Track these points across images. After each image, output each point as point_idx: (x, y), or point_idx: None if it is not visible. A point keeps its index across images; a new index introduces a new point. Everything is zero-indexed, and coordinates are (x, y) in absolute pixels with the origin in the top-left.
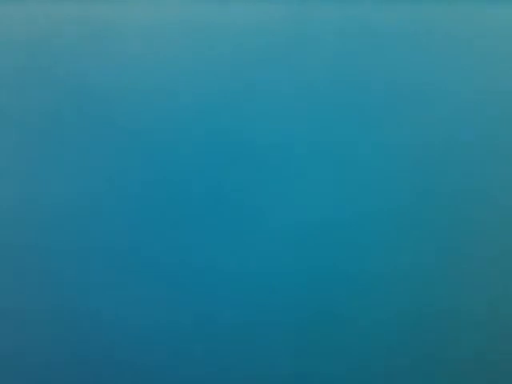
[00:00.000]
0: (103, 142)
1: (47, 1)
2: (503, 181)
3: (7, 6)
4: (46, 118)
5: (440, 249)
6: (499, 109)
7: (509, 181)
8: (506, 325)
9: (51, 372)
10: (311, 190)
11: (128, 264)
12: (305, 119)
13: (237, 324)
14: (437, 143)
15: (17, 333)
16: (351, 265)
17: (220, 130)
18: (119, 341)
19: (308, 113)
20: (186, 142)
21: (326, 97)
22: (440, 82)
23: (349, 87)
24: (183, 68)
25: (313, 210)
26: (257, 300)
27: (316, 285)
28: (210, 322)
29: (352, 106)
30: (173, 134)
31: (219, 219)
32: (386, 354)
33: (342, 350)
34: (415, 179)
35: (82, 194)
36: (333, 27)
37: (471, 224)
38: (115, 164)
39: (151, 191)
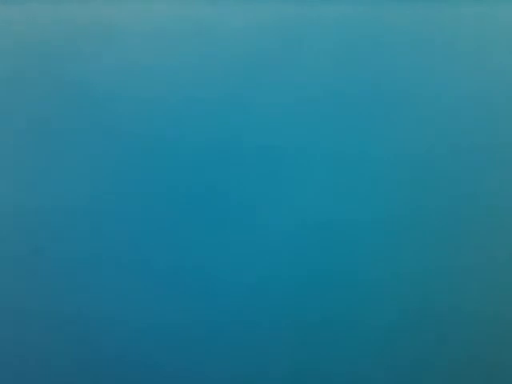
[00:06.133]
0: (103, 144)
1: (47, 1)
2: (503, 183)
3: (7, 6)
4: (45, 119)
5: (441, 251)
6: (501, 112)
7: (508, 183)
8: (506, 331)
9: (52, 373)
10: (310, 192)
11: (128, 265)
12: (304, 121)
13: (237, 324)
14: (437, 145)
15: (17, 335)
16: (351, 267)
17: (220, 132)
18: (118, 341)
19: (308, 115)
20: (185, 143)
21: (327, 98)
22: (441, 84)
23: (350, 88)
24: (183, 69)
25: (312, 213)
26: (256, 301)
27: (315, 286)
28: (209, 322)
29: (352, 107)
30: (171, 136)
31: (220, 221)
32: (385, 355)
33: (342, 352)
34: (416, 180)
35: (81, 195)
36: (333, 28)
37: (472, 226)
38: (115, 166)
39: (152, 194)
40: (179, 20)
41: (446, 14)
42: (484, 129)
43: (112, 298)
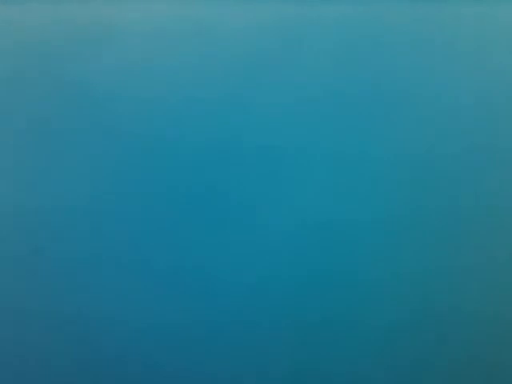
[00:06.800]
0: (103, 144)
1: (47, 1)
2: (503, 183)
3: (7, 6)
4: (45, 119)
5: (441, 251)
6: (501, 112)
7: (508, 183)
8: (506, 331)
9: (52, 373)
10: (310, 192)
11: (128, 265)
12: (304, 121)
13: (237, 324)
14: (437, 145)
15: (17, 335)
16: (351, 267)
17: (220, 132)
18: (118, 341)
19: (308, 115)
20: (185, 143)
21: (327, 98)
22: (441, 84)
23: (350, 88)
24: (183, 69)
25: (312, 213)
26: (256, 301)
27: (315, 286)
28: (209, 322)
29: (352, 107)
30: (171, 136)
31: (220, 221)
32: (385, 355)
33: (342, 352)
34: (416, 181)
35: (81, 195)
36: (333, 28)
37: (472, 226)
38: (115, 166)
39: (152, 194)
40: (179, 20)
41: (446, 13)
42: (484, 129)
43: (112, 298)
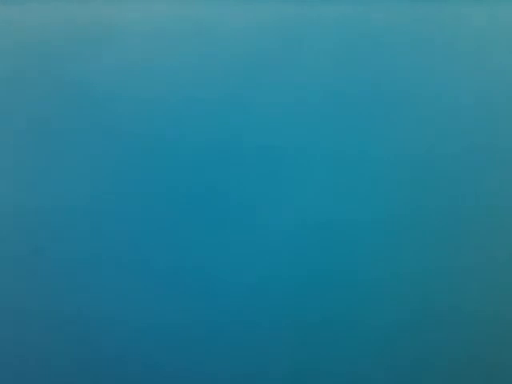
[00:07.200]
0: (103, 144)
1: (47, 1)
2: (503, 183)
3: (7, 6)
4: (45, 119)
5: (441, 251)
6: (501, 112)
7: (508, 183)
8: (506, 331)
9: (52, 373)
10: (310, 192)
11: (128, 265)
12: (304, 121)
13: (237, 324)
14: (437, 145)
15: (17, 335)
16: (351, 267)
17: (220, 132)
18: (118, 341)
19: (308, 115)
20: (185, 143)
21: (327, 99)
22: (441, 84)
23: (350, 88)
24: (183, 69)
25: (312, 213)
26: (256, 301)
27: (315, 286)
28: (209, 322)
29: (352, 107)
30: (171, 136)
31: (220, 221)
32: (385, 355)
33: (342, 352)
34: (416, 181)
35: (81, 195)
36: (333, 28)
37: (472, 226)
38: (115, 166)
39: (152, 194)
40: (179, 20)
41: (446, 13)
42: (484, 129)
43: (112, 298)
